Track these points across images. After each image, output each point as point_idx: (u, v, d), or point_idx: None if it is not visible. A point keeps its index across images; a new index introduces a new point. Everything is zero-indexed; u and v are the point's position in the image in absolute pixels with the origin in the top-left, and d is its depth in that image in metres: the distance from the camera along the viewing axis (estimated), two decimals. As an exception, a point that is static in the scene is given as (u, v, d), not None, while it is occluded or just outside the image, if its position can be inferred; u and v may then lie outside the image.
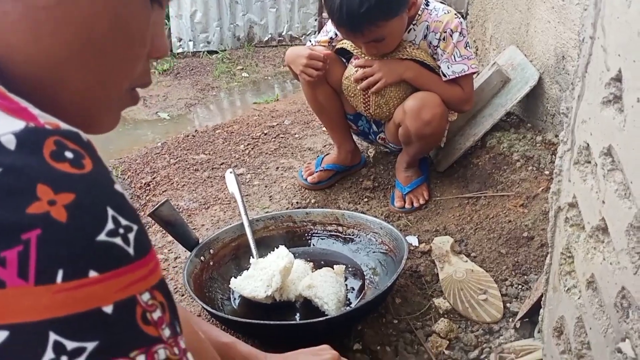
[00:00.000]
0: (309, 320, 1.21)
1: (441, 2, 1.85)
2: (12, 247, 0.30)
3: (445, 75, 1.76)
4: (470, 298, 1.38)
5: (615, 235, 0.68)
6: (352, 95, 1.85)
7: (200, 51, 4.34)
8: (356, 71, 1.79)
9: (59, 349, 0.30)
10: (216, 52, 4.33)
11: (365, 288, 1.42)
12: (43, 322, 0.30)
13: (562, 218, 0.85)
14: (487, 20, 2.50)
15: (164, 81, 3.77)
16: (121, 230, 0.34)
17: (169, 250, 1.72)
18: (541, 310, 0.98)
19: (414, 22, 1.76)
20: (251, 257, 1.43)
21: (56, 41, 0.40)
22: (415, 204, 1.89)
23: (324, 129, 2.47)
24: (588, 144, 0.76)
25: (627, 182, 0.64)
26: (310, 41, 1.99)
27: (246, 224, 1.46)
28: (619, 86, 0.65)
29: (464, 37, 1.75)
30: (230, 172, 1.58)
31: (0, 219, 0.30)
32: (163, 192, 2.09)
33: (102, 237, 0.32)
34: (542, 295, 1.02)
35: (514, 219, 1.65)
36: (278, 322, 1.22)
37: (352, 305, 1.34)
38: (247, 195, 2.01)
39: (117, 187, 0.36)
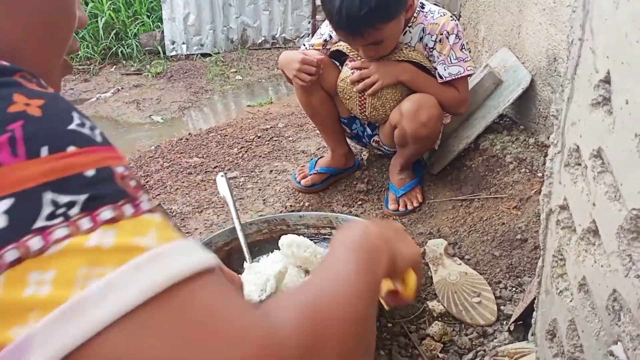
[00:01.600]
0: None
1: (435, 5, 1.85)
2: (1, 135, 0.36)
3: (441, 77, 1.77)
4: (464, 301, 1.38)
5: (606, 238, 0.67)
6: (348, 97, 1.84)
7: (194, 54, 4.33)
8: (352, 73, 1.79)
9: (55, 203, 0.36)
10: (209, 55, 4.32)
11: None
12: (39, 186, 0.36)
13: (554, 220, 0.85)
14: (479, 23, 2.50)
15: (157, 84, 3.76)
16: (87, 126, 0.41)
17: (161, 255, 1.71)
18: (534, 313, 0.98)
19: (409, 25, 1.76)
20: (245, 261, 1.43)
21: (10, 25, 0.46)
22: (409, 207, 1.89)
23: (318, 132, 2.47)
24: (578, 146, 0.76)
25: (617, 184, 0.64)
26: (304, 45, 1.99)
27: (238, 228, 1.45)
28: (607, 88, 0.65)
29: (459, 39, 1.75)
30: (222, 176, 1.57)
31: None
32: (156, 195, 2.08)
33: (72, 126, 0.40)
34: (535, 298, 1.02)
35: (508, 221, 1.65)
36: None
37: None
38: (240, 198, 2.00)
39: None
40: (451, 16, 1.77)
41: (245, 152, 2.38)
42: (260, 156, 2.32)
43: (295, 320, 0.41)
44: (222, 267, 0.46)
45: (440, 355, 1.25)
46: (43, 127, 0.38)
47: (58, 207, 0.36)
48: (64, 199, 0.36)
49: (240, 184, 2.11)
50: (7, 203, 0.35)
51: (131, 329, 0.35)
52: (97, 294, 0.35)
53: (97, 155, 0.39)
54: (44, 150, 0.37)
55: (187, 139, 2.60)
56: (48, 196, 0.36)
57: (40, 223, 0.36)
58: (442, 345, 1.27)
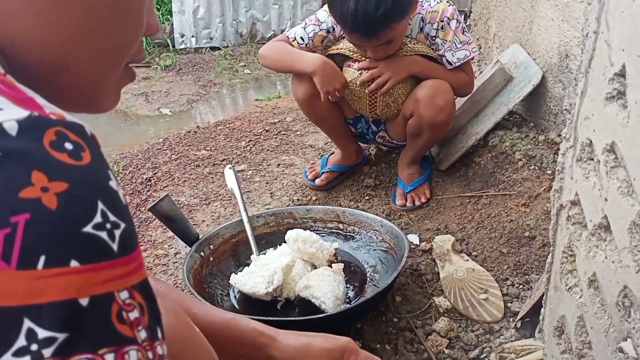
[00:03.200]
0: (306, 317, 1.20)
1: None
2: (1, 228, 0.30)
3: (450, 64, 1.76)
4: (470, 297, 1.37)
5: (618, 233, 0.67)
6: (357, 99, 1.82)
7: (203, 47, 4.33)
8: (360, 74, 1.77)
9: (31, 336, 0.30)
10: (218, 49, 4.32)
11: (366, 286, 1.41)
12: (20, 308, 0.30)
13: (564, 216, 0.84)
14: (490, 18, 2.48)
15: (166, 77, 3.77)
16: (108, 226, 0.34)
17: (169, 246, 1.71)
18: (542, 310, 0.97)
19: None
20: (252, 254, 1.43)
21: (59, 25, 0.41)
22: (417, 203, 1.88)
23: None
24: (591, 141, 0.75)
25: (630, 179, 0.63)
26: (293, 36, 1.82)
27: (245, 220, 1.46)
28: (622, 82, 0.64)
29: (459, 23, 1.75)
30: (230, 168, 1.57)
31: None
32: (164, 187, 2.09)
33: (88, 228, 0.33)
34: (543, 295, 1.01)
35: (516, 218, 1.64)
36: (276, 318, 1.21)
37: (351, 303, 1.33)
38: (247, 191, 2.00)
39: (113, 183, 0.36)
40: (448, 1, 1.76)
41: (253, 145, 2.38)
42: (268, 150, 2.32)
43: None
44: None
45: (446, 351, 1.24)
46: (51, 227, 0.32)
47: (32, 342, 0.30)
48: (42, 333, 0.30)
49: (248, 177, 2.11)
50: None
51: None
52: None
53: (101, 276, 0.33)
54: (41, 262, 0.31)
55: (195, 132, 2.60)
56: (26, 324, 0.30)
57: (6, 357, 0.30)
58: (448, 341, 1.27)
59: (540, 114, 1.99)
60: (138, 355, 0.33)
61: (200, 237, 1.44)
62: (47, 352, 0.30)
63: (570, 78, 1.77)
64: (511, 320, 1.31)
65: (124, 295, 0.34)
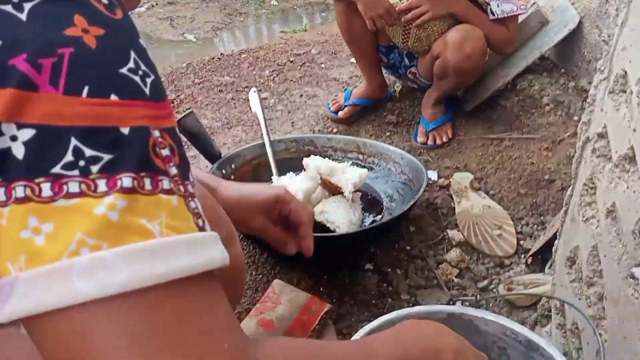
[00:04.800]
0: (319, 234, 1.21)
1: None
2: (48, 57, 0.33)
3: (493, 14, 1.71)
4: (484, 232, 1.40)
5: (643, 162, 0.67)
6: (391, 25, 1.80)
7: (230, -25, 4.23)
8: (400, 1, 1.73)
9: (78, 153, 0.33)
10: (246, -23, 4.22)
11: (382, 214, 1.44)
12: (66, 128, 0.33)
13: (589, 149, 0.84)
14: (531, -42, 2.39)
15: (192, 3, 3.71)
16: (140, 72, 0.37)
17: (191, 164, 1.74)
18: (556, 242, 0.99)
19: None
20: (272, 176, 1.45)
21: None
22: (438, 141, 1.88)
23: (352, 60, 2.43)
24: (626, 72, 0.74)
25: (664, 106, 0.63)
26: None
27: (267, 142, 1.47)
28: (669, 6, 0.62)
29: None
30: (254, 91, 1.57)
31: (42, 35, 0.34)
32: (187, 109, 2.10)
33: (123, 70, 0.36)
34: (556, 232, 1.03)
35: (537, 161, 1.64)
36: None
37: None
38: (269, 119, 2.01)
39: (142, 42, 0.39)
40: None
41: (277, 75, 2.37)
42: (291, 80, 2.31)
43: None
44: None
45: (455, 279, 1.28)
46: (92, 62, 0.34)
47: (79, 159, 0.33)
48: (88, 151, 0.34)
49: (270, 105, 2.12)
50: (28, 133, 0.33)
51: (103, 314, 0.33)
52: (87, 266, 0.33)
53: (138, 112, 0.36)
54: (85, 90, 0.34)
55: (220, 59, 2.58)
56: (73, 142, 0.33)
57: (56, 169, 0.33)
58: (458, 271, 1.30)
59: (572, 61, 1.94)
60: (170, 185, 0.36)
61: (222, 156, 1.47)
62: (94, 168, 0.34)
63: (608, 24, 1.72)
64: (522, 256, 1.34)
65: (157, 133, 0.36)
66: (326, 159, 1.44)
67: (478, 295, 1.22)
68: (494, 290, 1.25)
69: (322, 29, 3.19)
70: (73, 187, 0.33)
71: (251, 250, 1.30)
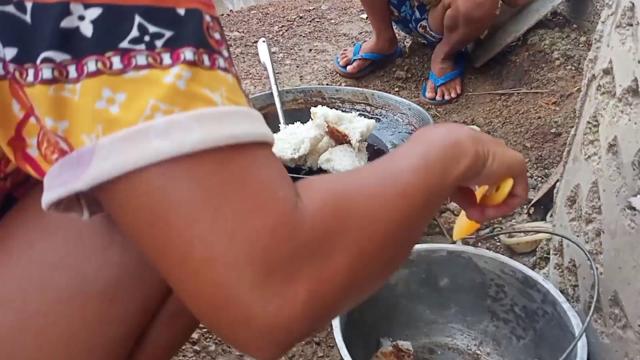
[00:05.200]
0: (322, 175, 1.23)
1: None
2: None
3: None
4: (488, 183, 1.40)
5: (645, 91, 0.67)
6: None
7: None
8: None
9: (143, 29, 0.36)
10: None
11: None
12: (130, 6, 0.36)
13: (594, 86, 0.84)
14: None
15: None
16: None
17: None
18: (557, 183, 1.00)
19: None
20: (279, 124, 1.46)
21: None
22: (447, 97, 1.87)
23: (362, 16, 2.41)
24: (633, 4, 0.74)
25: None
26: None
27: (275, 91, 1.48)
28: None
29: None
30: (263, 41, 1.57)
31: None
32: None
33: None
34: (557, 181, 1.03)
35: (544, 115, 1.63)
36: (294, 175, 1.25)
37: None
38: (278, 73, 2.01)
39: None
40: None
41: (286, 30, 2.36)
42: (300, 35, 2.30)
43: (318, 206, 0.39)
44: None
45: (458, 227, 1.30)
46: None
47: (144, 34, 0.36)
48: (152, 28, 0.36)
49: (279, 59, 2.11)
50: (95, 12, 0.35)
51: (179, 170, 0.35)
52: (163, 127, 0.35)
53: None
54: None
55: (229, 15, 2.57)
56: (137, 20, 0.36)
57: (124, 44, 0.36)
58: (461, 219, 1.32)
59: (585, 15, 1.91)
60: (226, 65, 0.39)
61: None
62: (158, 42, 0.36)
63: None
64: (525, 207, 1.35)
65: (208, 18, 0.39)
66: (333, 109, 1.45)
67: (479, 241, 1.23)
68: (496, 238, 1.26)
69: (332, -13, 3.14)
70: (141, 59, 0.36)
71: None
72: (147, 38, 0.36)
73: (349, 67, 1.98)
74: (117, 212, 0.38)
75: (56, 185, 0.37)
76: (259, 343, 0.36)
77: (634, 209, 0.70)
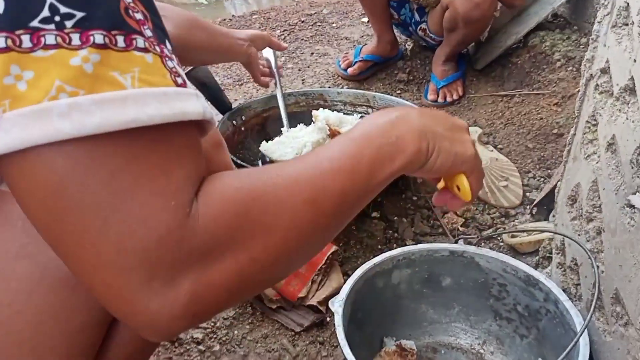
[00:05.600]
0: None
1: None
2: None
3: None
4: (491, 184, 1.41)
5: (642, 89, 0.68)
6: None
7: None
8: None
9: (54, 9, 0.36)
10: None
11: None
12: None
13: (592, 86, 0.85)
14: None
15: (204, -34, 3.69)
16: None
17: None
18: (558, 183, 1.00)
19: None
20: (282, 128, 1.47)
21: None
22: (449, 99, 1.88)
23: (364, 20, 2.43)
24: (628, 4, 0.74)
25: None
26: None
27: (278, 93, 1.49)
28: None
29: None
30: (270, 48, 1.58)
31: None
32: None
33: None
34: (559, 181, 1.04)
35: (546, 116, 1.64)
36: None
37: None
38: (280, 76, 2.02)
39: None
40: None
41: (288, 34, 2.37)
42: (302, 39, 2.31)
43: (214, 214, 0.41)
44: (210, 125, 0.44)
45: (461, 228, 1.30)
46: None
47: (55, 14, 0.36)
48: (63, 8, 0.36)
49: (281, 63, 2.12)
50: None
51: (76, 154, 0.37)
52: (65, 109, 0.36)
53: None
54: None
55: (231, 19, 2.59)
56: (49, 0, 0.36)
57: (34, 23, 0.36)
58: (463, 220, 1.32)
59: (585, 17, 1.91)
60: (145, 45, 0.39)
61: (233, 107, 1.49)
62: (68, 23, 0.37)
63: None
64: (528, 207, 1.35)
65: (128, 0, 0.39)
66: (335, 111, 1.46)
67: (482, 241, 1.24)
68: (499, 238, 1.27)
69: (334, -9, 3.16)
70: (50, 39, 0.36)
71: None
72: (57, 18, 0.36)
73: (350, 69, 1.99)
74: (13, 187, 0.39)
75: None
76: (145, 332, 0.41)
77: (633, 206, 0.71)
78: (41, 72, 0.36)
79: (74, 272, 0.40)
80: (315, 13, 2.58)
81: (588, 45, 1.82)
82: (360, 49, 2.04)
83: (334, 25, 2.43)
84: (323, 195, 0.44)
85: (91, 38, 0.37)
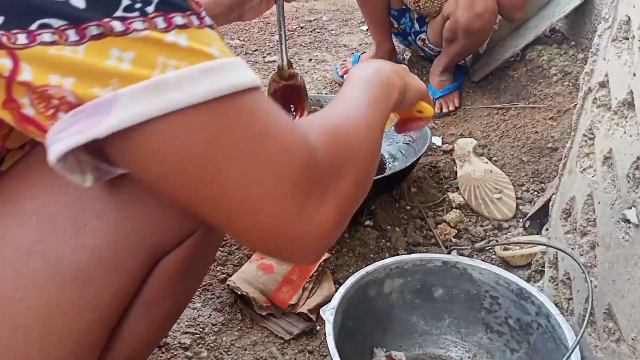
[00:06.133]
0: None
1: None
2: None
3: None
4: (484, 195, 1.41)
5: (640, 105, 0.68)
6: None
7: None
8: None
9: None
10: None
11: (385, 173, 1.45)
12: None
13: (590, 99, 0.85)
14: None
15: (205, -30, 3.69)
16: None
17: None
18: (552, 196, 1.00)
19: None
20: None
21: None
22: (445, 110, 1.88)
23: (363, 28, 2.43)
24: (629, 18, 0.74)
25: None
26: None
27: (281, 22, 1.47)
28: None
29: None
30: None
31: None
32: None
33: None
34: (553, 195, 1.04)
35: (541, 130, 1.64)
36: None
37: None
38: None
39: None
40: None
41: (287, 40, 2.37)
42: (301, 45, 2.31)
43: (323, 139, 0.47)
44: None
45: (453, 239, 1.30)
46: None
47: (135, 2, 0.39)
48: None
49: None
50: None
51: (194, 117, 0.40)
52: (175, 81, 0.39)
53: None
54: None
55: (230, 24, 2.59)
56: None
57: (119, 13, 0.39)
58: (456, 231, 1.32)
59: (583, 33, 1.92)
60: (210, 22, 0.43)
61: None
62: (149, 9, 0.40)
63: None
64: (521, 220, 1.35)
65: None
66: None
67: (474, 253, 1.23)
68: (491, 250, 1.26)
69: (333, -1, 3.17)
70: (138, 25, 0.39)
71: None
72: (138, 5, 0.39)
73: (345, 76, 1.99)
74: (138, 162, 0.42)
75: (68, 135, 0.40)
76: (308, 251, 0.46)
77: (628, 221, 0.70)
78: (141, 51, 0.39)
79: (228, 221, 0.43)
80: (314, 20, 2.58)
81: (585, 60, 1.83)
82: (359, 56, 2.04)
83: (333, 32, 2.43)
84: (372, 121, 0.55)
85: (173, 20, 0.40)
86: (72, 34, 0.38)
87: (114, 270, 0.52)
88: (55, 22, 0.38)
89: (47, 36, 0.38)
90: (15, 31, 0.38)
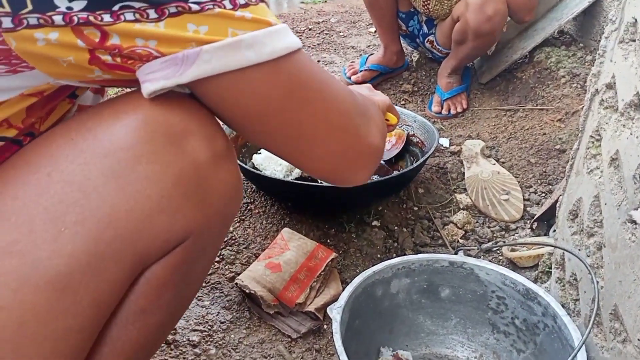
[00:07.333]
0: (324, 184, 1.22)
1: None
2: None
3: None
4: (492, 197, 1.41)
5: (647, 106, 0.68)
6: None
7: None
8: None
9: None
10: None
11: (391, 175, 1.45)
12: None
13: (597, 101, 0.85)
14: None
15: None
16: None
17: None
18: (559, 197, 1.00)
19: None
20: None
21: None
22: (452, 111, 1.88)
23: (371, 30, 2.44)
24: (636, 20, 0.75)
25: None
26: None
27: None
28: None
29: None
30: None
31: None
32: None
33: None
34: (560, 196, 1.04)
35: (549, 132, 1.64)
36: (297, 182, 1.24)
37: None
38: None
39: None
40: None
41: (295, 42, 2.38)
42: (309, 47, 2.32)
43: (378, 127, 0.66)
44: None
45: (460, 240, 1.30)
46: None
47: None
48: None
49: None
50: None
51: (262, 72, 0.51)
52: (249, 42, 0.49)
53: None
54: None
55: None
56: None
57: None
58: (463, 232, 1.32)
59: (591, 35, 1.92)
60: None
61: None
62: None
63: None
64: (528, 221, 1.35)
65: None
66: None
67: (481, 253, 1.24)
68: (498, 252, 1.26)
69: (342, 1, 3.18)
70: (209, 5, 0.48)
71: (263, 201, 1.33)
72: None
73: (354, 77, 2.00)
74: (218, 103, 0.54)
75: (158, 78, 0.50)
76: (369, 162, 0.63)
77: (634, 222, 0.70)
78: (214, 25, 0.49)
79: (310, 150, 0.58)
80: (323, 21, 2.59)
81: (593, 62, 1.83)
82: (367, 58, 2.05)
83: (341, 34, 2.44)
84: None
85: (237, 1, 0.50)
86: (152, 13, 0.47)
87: (94, 277, 0.50)
88: (136, 4, 0.46)
89: (129, 15, 0.46)
90: (99, 12, 0.46)
